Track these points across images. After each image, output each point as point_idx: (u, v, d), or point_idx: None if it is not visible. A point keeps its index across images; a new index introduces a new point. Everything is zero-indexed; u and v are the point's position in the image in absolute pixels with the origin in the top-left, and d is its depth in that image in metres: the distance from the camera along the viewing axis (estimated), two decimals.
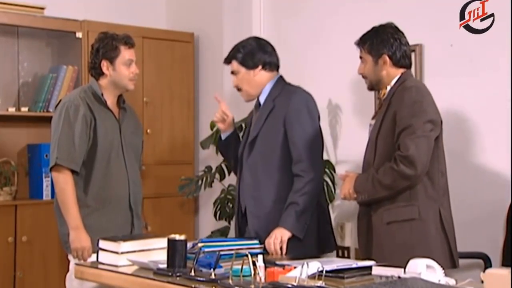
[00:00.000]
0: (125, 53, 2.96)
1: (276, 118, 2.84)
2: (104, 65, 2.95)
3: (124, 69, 2.96)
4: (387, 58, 2.60)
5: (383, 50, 2.60)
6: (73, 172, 2.85)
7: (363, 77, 2.69)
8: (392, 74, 2.62)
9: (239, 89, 2.98)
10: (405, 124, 2.46)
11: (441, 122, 2.57)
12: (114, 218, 2.92)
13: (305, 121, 2.81)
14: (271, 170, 2.83)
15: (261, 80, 2.92)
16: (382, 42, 2.61)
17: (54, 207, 2.94)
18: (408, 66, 2.65)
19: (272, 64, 2.94)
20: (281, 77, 2.98)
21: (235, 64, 2.94)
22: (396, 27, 2.66)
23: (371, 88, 2.71)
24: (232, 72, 2.97)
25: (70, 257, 2.90)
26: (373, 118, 2.71)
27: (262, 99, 2.94)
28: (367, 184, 2.54)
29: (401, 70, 2.62)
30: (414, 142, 2.42)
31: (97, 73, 2.97)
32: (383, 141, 2.54)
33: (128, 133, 3.04)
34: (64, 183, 2.82)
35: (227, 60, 2.99)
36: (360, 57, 2.69)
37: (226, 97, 4.26)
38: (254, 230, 2.84)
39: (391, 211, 2.51)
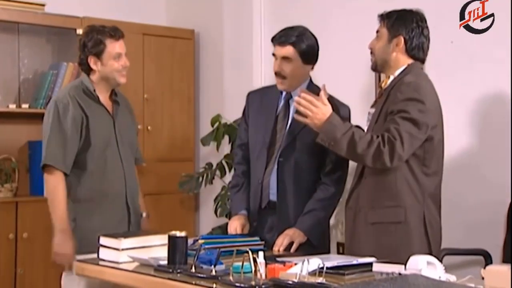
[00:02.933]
0: (112, 47, 2.85)
1: None
2: (92, 61, 2.86)
3: (113, 63, 2.85)
4: (402, 41, 2.49)
5: (402, 32, 2.49)
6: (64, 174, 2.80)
7: (371, 53, 2.57)
8: (400, 61, 2.50)
9: (283, 77, 2.77)
10: (393, 116, 2.37)
11: (442, 126, 2.48)
12: (110, 217, 2.87)
13: None
14: (309, 174, 2.76)
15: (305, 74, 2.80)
16: (404, 23, 2.49)
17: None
18: (420, 60, 2.53)
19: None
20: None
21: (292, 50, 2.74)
22: (424, 17, 2.54)
23: (374, 67, 2.60)
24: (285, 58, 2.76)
25: None
26: (372, 106, 2.61)
27: (295, 95, 2.73)
28: (339, 137, 2.39)
29: (410, 61, 2.51)
30: (400, 135, 2.34)
31: (87, 69, 2.89)
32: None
33: (123, 128, 2.96)
34: (54, 185, 2.77)
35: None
36: (377, 31, 2.57)
37: (226, 94, 4.26)
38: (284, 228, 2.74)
39: (376, 211, 2.45)
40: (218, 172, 3.99)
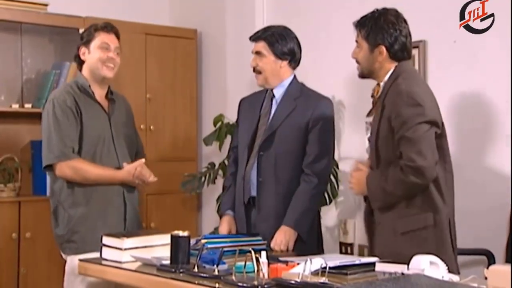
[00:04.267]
0: (101, 37, 2.90)
1: (298, 119, 2.82)
2: (81, 50, 2.92)
3: (98, 51, 2.89)
4: (384, 49, 2.45)
5: (381, 41, 2.45)
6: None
7: (356, 62, 2.56)
8: (386, 67, 2.47)
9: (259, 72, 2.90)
10: (402, 132, 2.34)
11: (442, 123, 2.45)
12: (107, 215, 2.87)
13: (328, 129, 2.85)
14: (287, 167, 2.82)
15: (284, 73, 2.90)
16: (381, 31, 2.45)
17: (51, 207, 2.91)
18: (406, 59, 2.50)
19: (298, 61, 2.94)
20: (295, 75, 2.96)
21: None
22: (398, 14, 2.50)
23: (362, 76, 2.58)
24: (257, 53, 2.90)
25: (65, 257, 2.88)
26: (368, 115, 2.60)
27: (277, 93, 2.90)
28: (379, 195, 2.43)
29: (396, 63, 2.47)
30: (415, 150, 2.31)
31: (79, 62, 2.94)
32: (384, 149, 2.43)
33: (120, 125, 2.98)
34: (80, 170, 2.81)
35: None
36: (356, 41, 2.55)
37: (228, 94, 4.26)
38: (270, 224, 2.80)
39: (405, 219, 2.39)
40: (220, 172, 3.99)
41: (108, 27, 2.94)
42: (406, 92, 2.37)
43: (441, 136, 2.44)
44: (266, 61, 2.86)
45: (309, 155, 2.80)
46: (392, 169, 2.38)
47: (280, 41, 2.86)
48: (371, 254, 2.53)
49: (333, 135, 2.89)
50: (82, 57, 2.92)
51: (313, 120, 2.82)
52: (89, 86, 2.90)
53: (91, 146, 2.87)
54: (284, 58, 2.87)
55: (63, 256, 2.91)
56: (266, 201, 2.83)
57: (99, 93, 2.95)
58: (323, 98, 2.95)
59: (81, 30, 3.83)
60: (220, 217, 3.00)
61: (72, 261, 2.76)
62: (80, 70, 2.96)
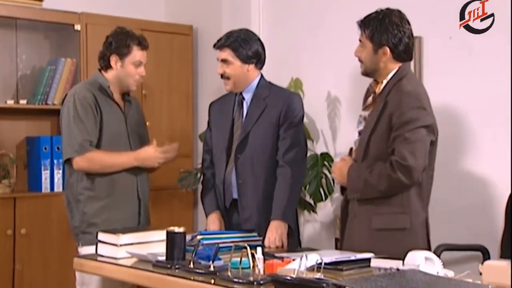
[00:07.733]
0: (137, 54, 2.97)
1: (270, 117, 2.89)
2: (113, 59, 2.96)
3: (131, 68, 2.97)
4: (388, 50, 2.48)
5: (385, 41, 2.47)
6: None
7: (359, 60, 2.57)
8: (390, 67, 2.50)
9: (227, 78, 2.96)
10: (401, 130, 2.37)
11: (437, 132, 2.47)
12: (122, 209, 2.93)
13: (298, 123, 2.92)
14: (264, 165, 2.88)
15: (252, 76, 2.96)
16: (386, 32, 2.47)
17: (65, 199, 2.96)
18: (409, 60, 2.55)
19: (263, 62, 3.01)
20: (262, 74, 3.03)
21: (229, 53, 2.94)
22: (402, 16, 2.53)
23: (365, 74, 2.60)
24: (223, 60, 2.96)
25: (80, 249, 2.91)
26: (364, 109, 2.60)
27: (247, 95, 2.97)
28: (359, 185, 2.46)
29: (399, 64, 2.51)
30: (410, 150, 2.34)
31: (105, 65, 2.99)
32: (377, 145, 2.44)
33: (134, 124, 3.07)
34: (96, 160, 2.85)
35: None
36: (360, 40, 2.55)
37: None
38: (253, 222, 2.87)
39: (382, 216, 2.43)
40: None
41: (144, 44, 3.00)
42: (414, 94, 2.41)
43: (433, 144, 2.46)
44: (233, 67, 2.92)
45: (281, 148, 2.87)
46: (381, 164, 2.40)
47: (244, 46, 2.91)
48: (340, 246, 2.56)
49: (303, 129, 2.98)
50: (113, 65, 2.96)
51: (283, 116, 2.88)
52: (109, 87, 2.97)
53: (109, 143, 2.93)
54: (250, 62, 2.93)
55: (78, 247, 2.94)
56: (248, 201, 2.88)
57: (117, 94, 3.03)
58: (292, 94, 3.06)
59: (76, 26, 3.86)
60: (206, 216, 3.03)
61: (87, 251, 2.80)
62: (102, 69, 3.00)
